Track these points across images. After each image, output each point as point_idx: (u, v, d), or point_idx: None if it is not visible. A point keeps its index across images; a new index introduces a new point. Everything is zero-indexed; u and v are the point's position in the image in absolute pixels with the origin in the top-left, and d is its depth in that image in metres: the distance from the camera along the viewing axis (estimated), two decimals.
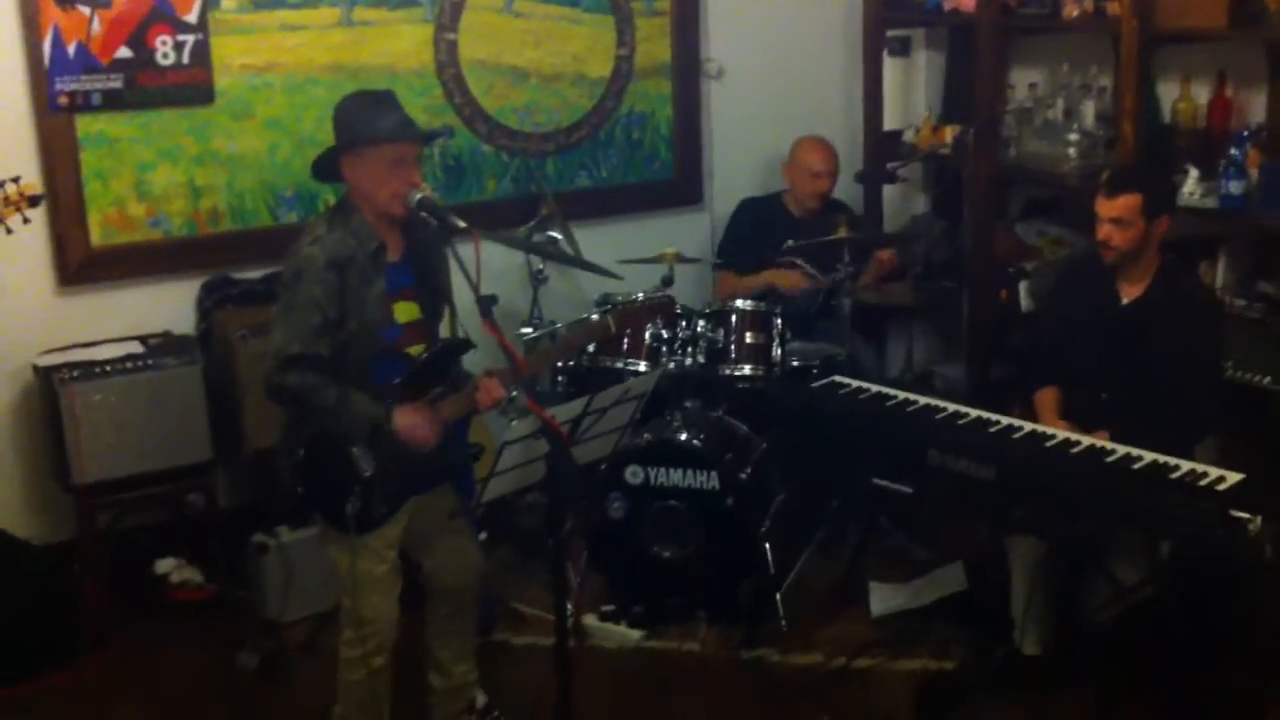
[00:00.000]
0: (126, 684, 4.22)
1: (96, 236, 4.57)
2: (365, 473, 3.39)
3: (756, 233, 5.35)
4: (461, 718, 3.85)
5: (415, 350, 3.54)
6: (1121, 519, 3.60)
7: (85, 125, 4.50)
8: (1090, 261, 4.09)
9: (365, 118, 3.41)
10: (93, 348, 4.44)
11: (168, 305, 4.68)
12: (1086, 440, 3.73)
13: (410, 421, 3.39)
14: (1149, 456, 3.59)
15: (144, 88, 4.56)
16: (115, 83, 4.50)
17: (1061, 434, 3.78)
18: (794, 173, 5.40)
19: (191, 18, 4.59)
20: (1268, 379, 4.28)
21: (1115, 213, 3.89)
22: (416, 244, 3.57)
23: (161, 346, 4.50)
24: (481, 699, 3.92)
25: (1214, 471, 3.49)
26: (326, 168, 3.52)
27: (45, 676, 4.18)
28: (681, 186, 5.77)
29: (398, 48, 5.02)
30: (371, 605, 3.52)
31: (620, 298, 4.60)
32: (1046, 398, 4.13)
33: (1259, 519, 3.30)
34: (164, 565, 4.61)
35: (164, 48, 4.57)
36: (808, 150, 5.39)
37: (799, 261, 5.09)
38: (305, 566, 4.40)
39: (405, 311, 3.52)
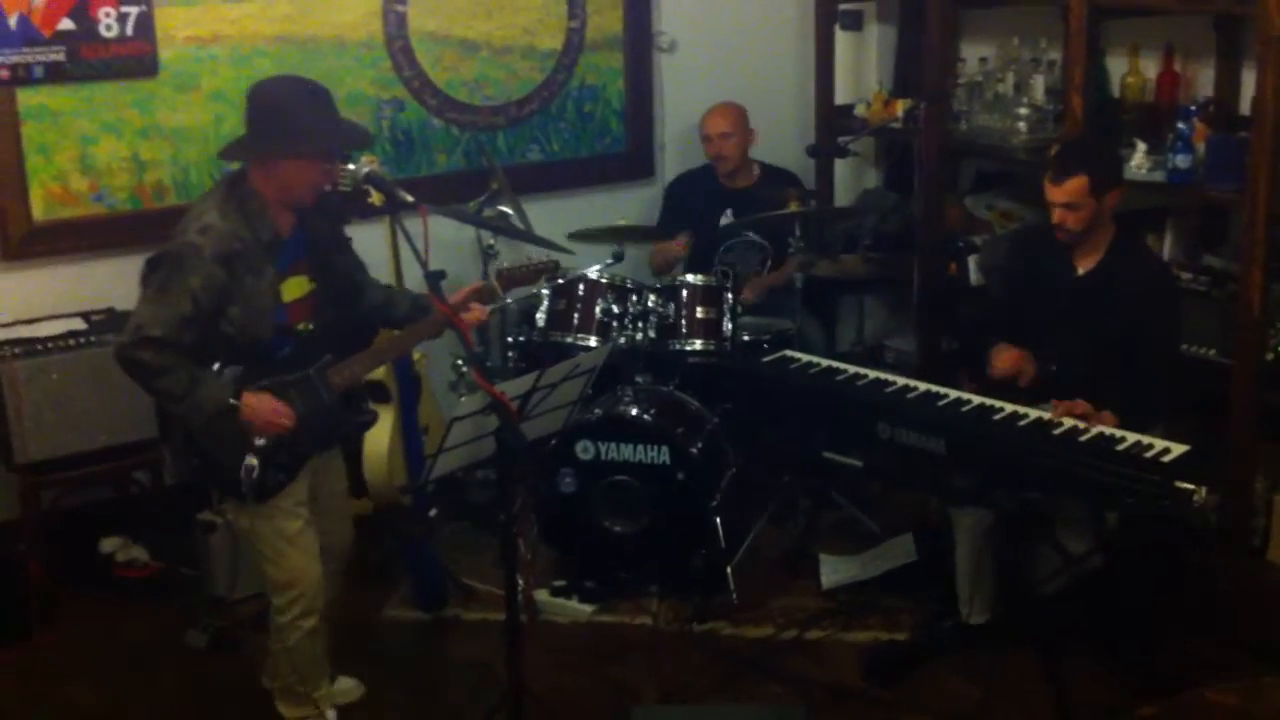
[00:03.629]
0: (76, 663, 4.19)
1: (38, 211, 4.51)
2: (258, 441, 3.39)
3: (691, 206, 5.37)
4: None
5: (301, 325, 3.52)
6: (1069, 491, 3.63)
7: (26, 98, 4.42)
8: (1044, 233, 4.10)
9: (297, 121, 3.34)
10: (35, 324, 4.39)
11: (111, 281, 4.61)
12: (1034, 413, 3.75)
13: (258, 407, 3.36)
14: (1095, 429, 3.62)
15: (87, 60, 4.49)
16: (58, 55, 4.43)
17: (1010, 407, 3.80)
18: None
19: None
20: (1212, 351, 4.32)
21: (1065, 197, 3.90)
22: (306, 214, 3.52)
23: (105, 323, 4.45)
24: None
25: (1160, 443, 3.52)
26: (238, 153, 3.48)
27: None
28: (633, 160, 5.75)
29: (345, 19, 4.96)
30: (292, 564, 3.54)
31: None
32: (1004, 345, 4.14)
33: (1204, 490, 3.33)
34: (109, 544, 4.57)
35: (107, 19, 4.49)
36: (705, 116, 5.43)
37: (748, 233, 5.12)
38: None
39: (295, 287, 3.50)
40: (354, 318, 3.71)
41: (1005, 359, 4.00)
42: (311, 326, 3.53)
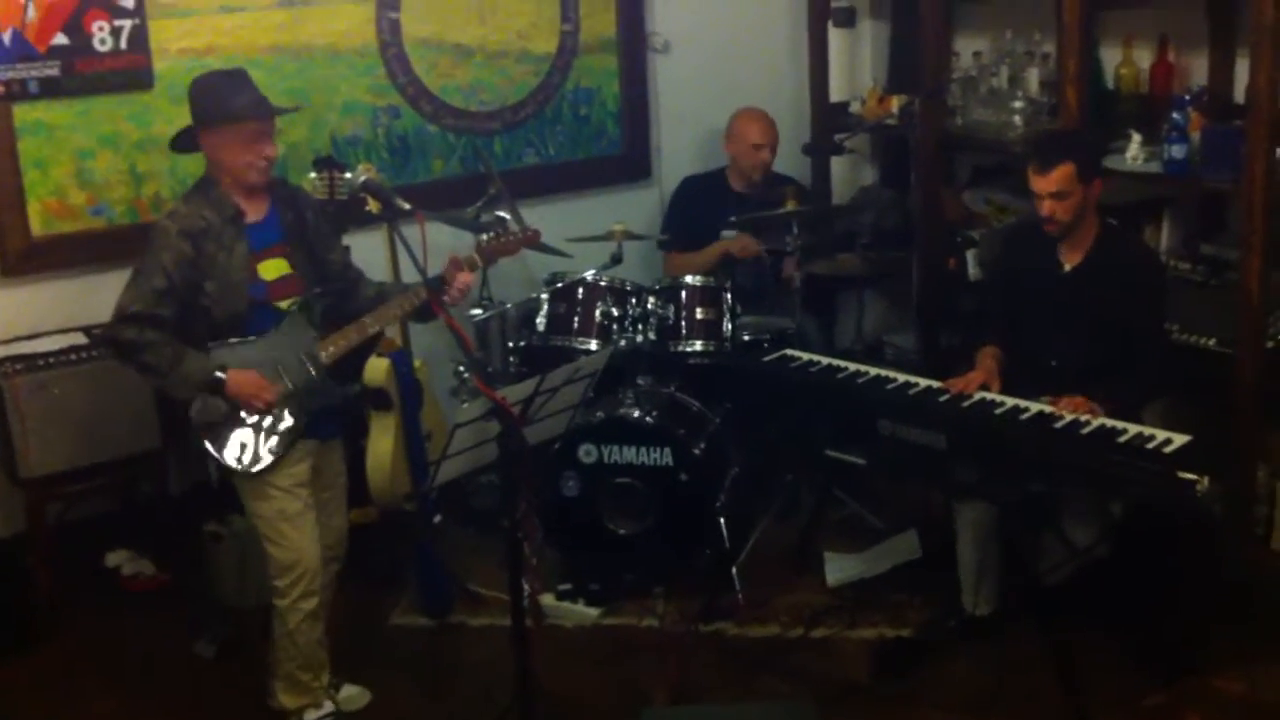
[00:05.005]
0: (87, 676, 4.19)
1: (37, 226, 4.51)
2: (247, 417, 3.54)
3: (699, 211, 5.35)
4: None
5: (286, 303, 3.67)
6: (1071, 484, 3.64)
7: (23, 114, 4.43)
8: (1033, 230, 4.10)
9: (220, 97, 3.57)
10: (36, 340, 4.39)
11: (111, 294, 4.54)
12: (1035, 406, 3.76)
13: (242, 381, 3.53)
14: (1096, 421, 3.63)
15: (82, 74, 4.49)
16: (52, 70, 4.44)
17: (1010, 401, 3.81)
18: (735, 146, 5.40)
19: (128, 2, 4.52)
20: (1212, 340, 4.32)
21: (1053, 187, 3.89)
22: (281, 202, 3.72)
23: None
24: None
25: (1161, 434, 3.53)
26: (186, 141, 3.69)
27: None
28: (630, 162, 5.75)
29: (339, 27, 4.97)
30: (291, 543, 3.66)
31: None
32: (987, 349, 4.14)
33: (1206, 479, 3.34)
34: (115, 558, 4.58)
35: (101, 33, 4.50)
36: (746, 122, 5.39)
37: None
38: (260, 553, 4.36)
39: (274, 268, 3.68)
40: (346, 310, 3.80)
41: (963, 382, 3.98)
42: (295, 304, 3.66)
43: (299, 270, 3.70)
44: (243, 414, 3.56)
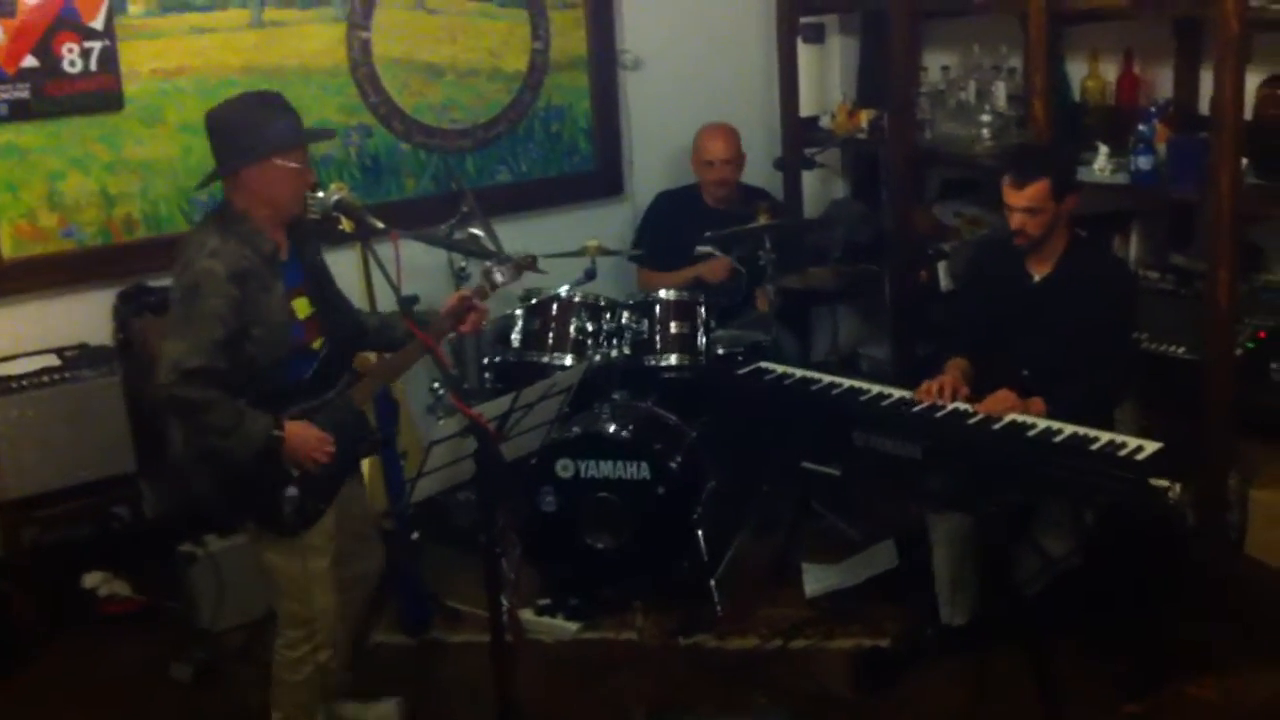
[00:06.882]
0: (64, 700, 4.16)
1: (8, 248, 4.50)
2: (295, 472, 3.37)
3: (673, 226, 5.36)
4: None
5: (317, 344, 3.49)
6: (1044, 491, 3.66)
7: None
8: (1002, 241, 4.12)
9: (261, 125, 3.31)
10: (8, 362, 4.38)
11: (84, 316, 4.62)
12: (1008, 416, 3.78)
13: (301, 438, 3.34)
14: (1069, 429, 3.66)
15: (52, 97, 4.49)
16: (22, 93, 4.43)
17: (983, 412, 3.83)
18: (694, 163, 5.44)
19: (98, 24, 4.53)
20: (1181, 349, 4.36)
21: (1026, 202, 3.90)
22: (297, 240, 3.53)
23: (79, 358, 4.44)
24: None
25: (1133, 441, 3.56)
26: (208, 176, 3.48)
27: None
28: (602, 178, 5.78)
29: (310, 47, 4.98)
30: (315, 603, 3.52)
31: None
32: (954, 361, 4.15)
33: (1178, 486, 3.37)
34: (92, 579, 4.55)
35: (71, 55, 4.50)
36: (703, 138, 5.42)
37: (716, 252, 5.11)
38: (236, 574, 4.36)
39: (301, 308, 3.48)
40: (358, 342, 3.71)
41: (935, 386, 3.98)
42: (325, 345, 3.51)
43: (319, 308, 3.53)
44: (292, 470, 3.36)
